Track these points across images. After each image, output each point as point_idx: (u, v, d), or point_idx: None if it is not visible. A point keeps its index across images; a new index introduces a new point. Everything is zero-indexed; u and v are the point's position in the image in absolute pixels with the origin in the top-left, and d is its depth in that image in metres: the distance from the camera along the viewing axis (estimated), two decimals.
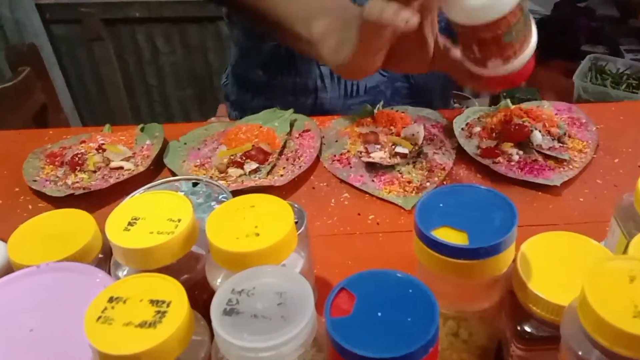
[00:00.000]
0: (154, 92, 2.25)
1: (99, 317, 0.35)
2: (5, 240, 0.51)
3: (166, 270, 0.39)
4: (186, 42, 2.07)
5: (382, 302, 0.35)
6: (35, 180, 0.69)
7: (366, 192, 0.67)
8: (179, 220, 0.42)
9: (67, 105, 2.11)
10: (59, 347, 0.40)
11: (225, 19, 0.97)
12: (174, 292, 0.36)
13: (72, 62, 2.13)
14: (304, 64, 0.87)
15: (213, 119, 1.47)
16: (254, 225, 0.41)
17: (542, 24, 1.71)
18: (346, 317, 0.34)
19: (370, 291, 0.35)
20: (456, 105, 1.72)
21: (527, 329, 0.42)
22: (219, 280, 0.42)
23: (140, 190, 0.55)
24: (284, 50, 0.86)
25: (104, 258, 0.50)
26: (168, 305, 0.35)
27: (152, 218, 0.43)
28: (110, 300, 0.36)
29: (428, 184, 0.67)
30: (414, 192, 0.66)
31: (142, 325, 0.34)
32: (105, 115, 2.24)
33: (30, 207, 0.67)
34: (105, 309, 0.35)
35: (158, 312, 0.35)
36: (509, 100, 0.77)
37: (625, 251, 0.44)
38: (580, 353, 0.35)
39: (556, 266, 0.43)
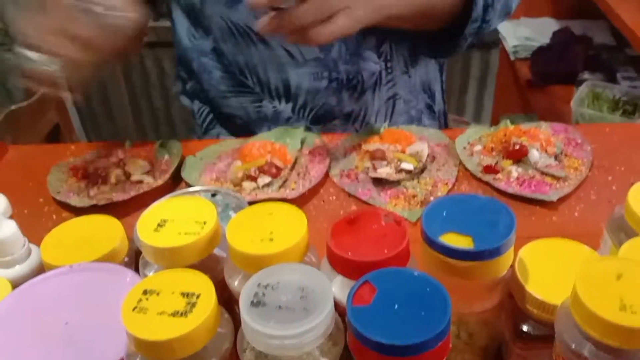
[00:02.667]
0: (160, 114, 2.29)
1: (135, 307, 0.38)
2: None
3: (191, 268, 0.43)
4: None
5: (400, 296, 0.38)
6: (59, 192, 0.73)
7: (373, 206, 0.71)
8: (205, 223, 0.46)
9: (75, 126, 2.15)
10: (93, 338, 0.43)
11: None
12: (203, 285, 0.40)
13: None
14: None
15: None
16: (269, 231, 0.44)
17: (541, 52, 1.76)
18: (366, 307, 0.37)
19: (391, 286, 0.39)
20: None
21: (525, 328, 0.46)
22: (236, 281, 0.45)
23: (164, 198, 0.58)
24: None
25: (129, 261, 0.54)
26: (198, 297, 0.39)
27: (180, 220, 0.46)
28: (145, 292, 0.39)
29: (432, 198, 0.71)
30: (418, 205, 0.70)
31: (174, 314, 0.38)
32: (111, 137, 2.28)
33: (54, 216, 0.71)
34: (140, 300, 0.39)
35: (189, 303, 0.38)
36: (508, 121, 0.81)
37: None
38: (573, 346, 0.38)
39: (551, 270, 0.46)
